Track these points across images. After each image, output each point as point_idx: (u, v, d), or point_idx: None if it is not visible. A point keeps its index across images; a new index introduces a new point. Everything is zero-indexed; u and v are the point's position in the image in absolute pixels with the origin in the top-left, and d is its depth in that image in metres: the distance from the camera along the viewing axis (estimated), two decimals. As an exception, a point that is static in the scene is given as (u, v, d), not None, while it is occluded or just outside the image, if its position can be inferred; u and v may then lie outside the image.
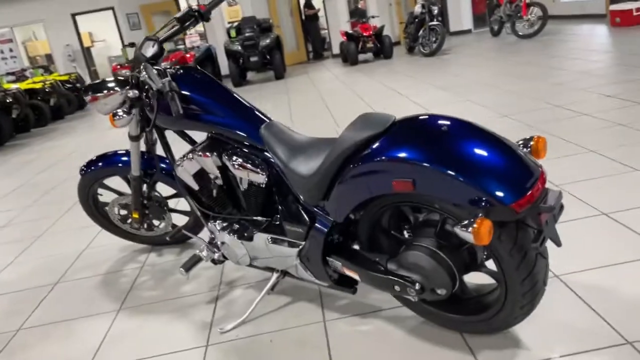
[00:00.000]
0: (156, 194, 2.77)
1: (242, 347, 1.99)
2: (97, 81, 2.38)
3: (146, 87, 2.19)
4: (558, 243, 1.48)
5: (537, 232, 1.46)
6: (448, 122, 1.52)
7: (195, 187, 2.22)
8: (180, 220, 2.93)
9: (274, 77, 10.69)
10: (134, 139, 2.39)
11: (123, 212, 2.86)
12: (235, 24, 11.48)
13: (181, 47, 11.22)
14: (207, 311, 2.28)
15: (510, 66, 7.01)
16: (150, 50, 2.17)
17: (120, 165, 2.70)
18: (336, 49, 12.71)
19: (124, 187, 2.83)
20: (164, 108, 2.10)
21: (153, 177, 2.65)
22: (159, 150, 2.54)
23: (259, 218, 2.14)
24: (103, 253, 3.13)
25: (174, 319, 2.28)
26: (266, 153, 1.99)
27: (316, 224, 1.83)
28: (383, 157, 1.53)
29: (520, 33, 9.56)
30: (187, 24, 2.29)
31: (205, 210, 2.29)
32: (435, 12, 9.70)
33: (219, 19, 12.79)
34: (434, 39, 9.55)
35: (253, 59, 10.26)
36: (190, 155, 2.15)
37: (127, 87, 2.32)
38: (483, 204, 1.39)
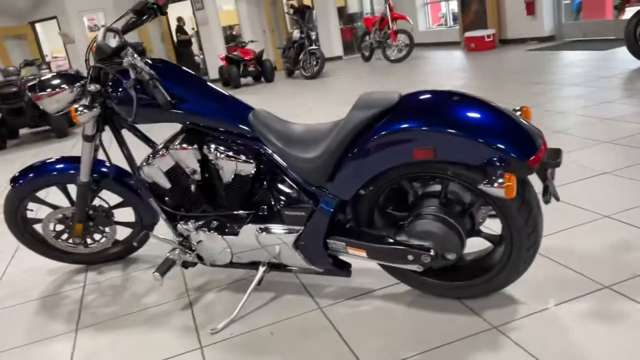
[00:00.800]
0: (101, 203, 2.56)
1: (242, 343, 1.92)
2: (45, 77, 2.19)
3: (109, 80, 2.06)
4: (557, 197, 1.65)
5: (544, 187, 1.62)
6: (455, 95, 1.65)
7: (167, 185, 2.11)
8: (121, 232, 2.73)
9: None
10: (89, 138, 2.21)
11: (60, 227, 2.60)
12: (106, 47, 10.95)
13: (45, 71, 10.38)
14: (184, 317, 2.16)
15: (390, 83, 7.57)
16: (113, 41, 2.05)
17: (57, 173, 2.47)
18: (213, 74, 12.64)
19: (57, 200, 2.58)
20: (139, 100, 1.99)
21: (100, 184, 2.45)
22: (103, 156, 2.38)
23: (240, 212, 2.09)
24: (27, 278, 2.80)
25: (151, 328, 2.12)
26: (253, 141, 1.96)
27: (320, 205, 1.85)
28: (403, 128, 1.60)
29: (392, 58, 10.30)
30: (145, 17, 2.21)
31: (173, 211, 2.18)
32: (314, 37, 10.11)
33: (85, 41, 12.10)
34: (314, 62, 9.93)
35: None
36: (164, 151, 2.04)
37: (81, 82, 2.16)
38: (502, 162, 1.52)
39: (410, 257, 1.76)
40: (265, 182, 2.00)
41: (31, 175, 2.46)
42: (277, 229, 1.96)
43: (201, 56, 14.44)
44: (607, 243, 2.13)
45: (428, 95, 1.67)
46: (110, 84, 2.07)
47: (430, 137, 1.58)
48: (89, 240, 2.63)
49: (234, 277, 2.41)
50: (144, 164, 2.10)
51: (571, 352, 1.57)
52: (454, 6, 12.22)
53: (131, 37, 8.77)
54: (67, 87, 2.16)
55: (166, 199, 2.21)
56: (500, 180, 1.48)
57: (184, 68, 2.08)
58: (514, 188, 1.47)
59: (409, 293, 2.03)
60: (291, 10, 11.18)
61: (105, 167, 2.45)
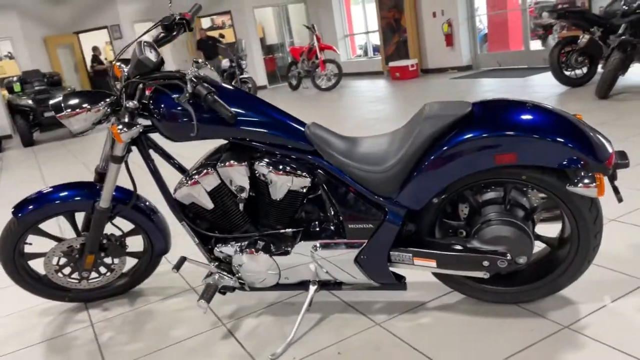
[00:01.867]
0: (112, 232, 2.37)
1: (314, 364, 1.83)
2: (68, 94, 2.02)
3: (147, 96, 1.94)
4: (620, 198, 1.76)
5: (614, 187, 1.72)
6: (526, 103, 1.73)
7: (210, 206, 2.00)
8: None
9: (70, 134, 9.70)
10: (118, 160, 2.05)
11: (63, 260, 2.36)
12: (15, 78, 10.27)
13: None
14: (230, 345, 2.03)
15: (324, 110, 7.75)
16: (151, 55, 1.95)
17: (66, 200, 2.25)
18: (134, 105, 12.18)
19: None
20: (188, 118, 1.88)
21: (116, 210, 2.26)
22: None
23: (288, 229, 2.02)
24: (16, 321, 2.50)
25: (195, 359, 1.97)
26: (309, 155, 1.92)
27: (388, 217, 1.83)
28: (484, 135, 1.65)
29: (322, 86, 10.51)
30: (174, 32, 2.13)
31: (210, 234, 2.07)
32: (244, 65, 10.10)
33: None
34: (246, 90, 9.89)
35: (48, 114, 9.19)
36: (210, 169, 1.94)
37: (108, 100, 2.02)
38: (580, 164, 1.60)
39: (485, 263, 1.79)
40: (321, 197, 1.95)
41: (36, 203, 2.23)
42: (336, 244, 1.92)
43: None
44: (629, 242, 2.29)
45: (501, 104, 1.74)
46: (150, 100, 1.94)
47: (513, 142, 1.64)
48: (92, 274, 2.40)
49: (267, 301, 2.31)
50: (184, 184, 1.98)
51: (648, 342, 1.66)
52: (374, 38, 12.78)
53: (42, 66, 8.40)
54: (93, 105, 2.00)
55: (198, 221, 2.09)
56: (589, 181, 1.56)
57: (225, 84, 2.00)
58: (604, 187, 1.56)
59: (463, 302, 2.06)
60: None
61: (120, 192, 2.27)
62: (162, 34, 2.12)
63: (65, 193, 2.25)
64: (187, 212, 2.08)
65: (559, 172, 1.68)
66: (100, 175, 2.32)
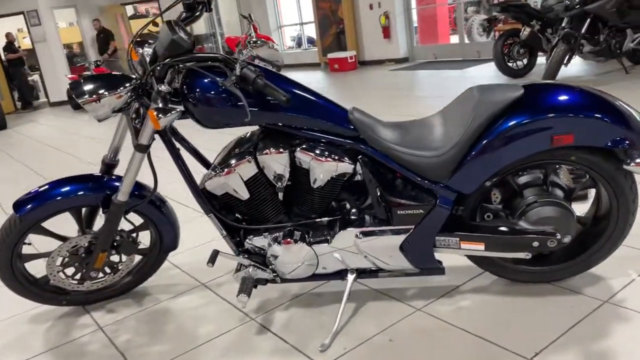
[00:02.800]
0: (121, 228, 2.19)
1: (367, 354, 1.80)
2: (89, 78, 1.84)
3: (179, 79, 1.81)
4: None
5: None
6: (574, 86, 1.77)
7: (245, 196, 1.90)
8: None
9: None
10: (143, 149, 1.89)
11: (68, 260, 2.15)
12: None
13: None
14: (269, 340, 1.95)
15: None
16: (185, 36, 1.81)
17: (71, 196, 2.06)
18: (55, 97, 11.43)
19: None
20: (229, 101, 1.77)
21: (132, 204, 2.09)
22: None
23: (323, 219, 1.97)
24: (9, 329, 2.26)
25: (237, 356, 1.87)
26: (352, 140, 1.86)
27: (438, 202, 1.83)
28: (542, 116, 1.68)
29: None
30: (197, 13, 2.00)
31: (242, 226, 1.98)
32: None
33: None
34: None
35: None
36: (249, 157, 1.84)
37: (130, 84, 1.86)
38: (628, 143, 1.67)
39: (535, 244, 1.83)
40: (361, 183, 1.91)
41: (40, 199, 2.01)
42: (382, 231, 1.89)
43: (33, 77, 12.97)
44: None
45: (552, 86, 1.78)
46: (184, 83, 1.80)
47: (572, 123, 1.68)
48: (96, 274, 2.22)
49: (290, 293, 2.23)
50: (218, 173, 1.87)
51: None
52: (308, 29, 12.76)
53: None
54: (114, 90, 1.83)
55: (224, 212, 1.99)
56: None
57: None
58: (657, 165, 1.63)
59: (496, 283, 2.10)
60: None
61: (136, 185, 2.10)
62: (185, 14, 1.97)
63: (72, 187, 2.05)
64: (213, 204, 1.97)
65: (604, 153, 1.74)
66: (108, 166, 2.15)
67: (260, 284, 2.04)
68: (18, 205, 2.01)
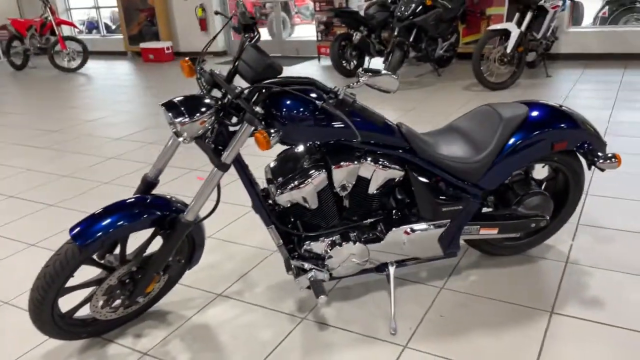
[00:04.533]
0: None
1: (430, 330, 2.15)
2: (185, 97, 1.82)
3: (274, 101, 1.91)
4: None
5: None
6: (557, 105, 2.36)
7: (315, 206, 2.09)
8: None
9: None
10: (226, 167, 1.92)
11: (116, 291, 2.02)
12: None
13: None
14: (337, 334, 2.16)
15: (81, 92, 7.16)
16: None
17: (131, 221, 1.94)
18: None
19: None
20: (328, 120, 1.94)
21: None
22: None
23: (368, 220, 2.26)
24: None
25: (319, 354, 2.06)
26: (401, 151, 2.18)
27: (472, 198, 2.26)
28: (546, 130, 2.23)
29: (67, 66, 9.41)
30: (256, 33, 2.10)
31: (299, 233, 2.16)
32: None
33: None
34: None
35: None
36: (322, 171, 2.03)
37: (216, 105, 1.89)
38: (593, 147, 2.34)
39: (533, 225, 2.39)
40: (407, 186, 2.23)
41: (103, 227, 1.86)
42: (426, 226, 2.25)
43: None
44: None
45: (546, 105, 2.33)
46: (273, 104, 1.89)
47: (564, 133, 2.26)
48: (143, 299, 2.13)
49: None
50: (293, 187, 2.01)
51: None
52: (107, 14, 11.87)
53: None
54: (207, 111, 1.83)
55: (303, 218, 2.15)
56: (614, 158, 2.29)
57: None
58: (621, 161, 2.31)
59: (482, 257, 2.62)
60: None
61: (166, 201, 2.05)
62: (253, 37, 2.04)
63: (132, 212, 1.93)
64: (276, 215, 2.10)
65: (573, 154, 2.38)
66: (148, 185, 2.08)
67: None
68: (78, 234, 1.83)
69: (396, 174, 2.14)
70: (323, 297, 2.05)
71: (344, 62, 7.36)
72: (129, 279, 2.04)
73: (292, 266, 2.18)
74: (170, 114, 1.80)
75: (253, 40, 2.03)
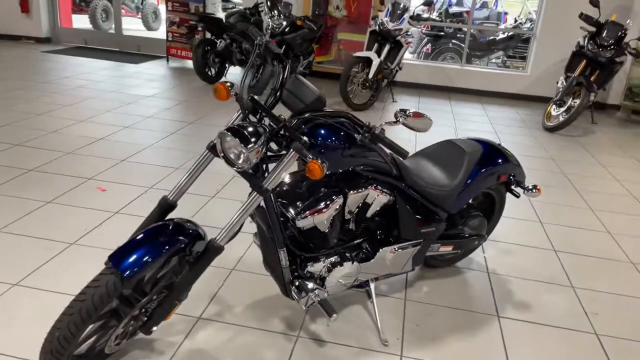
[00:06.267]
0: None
1: (414, 337, 2.43)
2: (243, 124, 1.82)
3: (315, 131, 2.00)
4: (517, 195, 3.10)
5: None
6: (500, 144, 2.84)
7: (326, 229, 2.23)
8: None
9: None
10: (266, 193, 1.94)
11: (133, 323, 1.88)
12: None
13: None
14: (336, 349, 2.31)
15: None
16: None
17: (170, 248, 1.82)
18: None
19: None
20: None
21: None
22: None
23: (357, 241, 2.47)
24: None
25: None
26: (393, 178, 2.42)
27: (441, 221, 2.61)
28: (498, 164, 2.70)
29: None
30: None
31: (306, 254, 2.28)
32: None
33: None
34: None
35: None
36: (339, 197, 2.18)
37: (266, 134, 1.93)
38: (522, 177, 2.88)
39: (476, 243, 2.83)
40: (395, 210, 2.48)
41: (145, 255, 1.73)
42: (406, 246, 2.52)
43: None
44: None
45: (490, 144, 2.79)
46: (314, 134, 1.99)
47: (506, 167, 2.75)
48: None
49: (299, 307, 2.55)
50: (316, 211, 2.12)
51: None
52: None
53: None
54: (262, 140, 1.85)
55: (310, 240, 2.24)
56: (537, 188, 2.83)
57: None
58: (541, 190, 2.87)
59: (423, 270, 3.00)
60: None
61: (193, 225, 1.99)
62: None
63: (167, 239, 1.81)
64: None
65: (504, 183, 2.89)
66: (166, 208, 2.00)
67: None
68: (124, 264, 1.67)
69: (389, 199, 2.37)
70: (334, 315, 2.18)
71: (205, 68, 7.27)
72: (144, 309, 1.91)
73: (293, 287, 2.25)
74: (237, 140, 1.77)
75: (286, 70, 2.07)
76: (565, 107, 6.39)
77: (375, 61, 6.49)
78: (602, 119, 7.43)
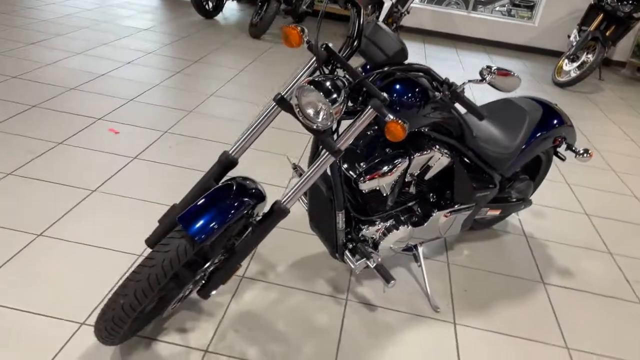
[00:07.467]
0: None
1: (463, 303, 2.35)
2: (325, 78, 1.62)
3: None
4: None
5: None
6: (556, 104, 2.68)
7: (388, 192, 2.09)
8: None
9: None
10: (339, 153, 1.76)
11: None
12: None
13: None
14: (387, 313, 2.22)
15: None
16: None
17: (235, 212, 1.63)
18: None
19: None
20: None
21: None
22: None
23: (410, 204, 2.34)
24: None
25: (379, 332, 2.11)
26: (452, 138, 2.27)
27: (496, 184, 2.48)
28: (555, 125, 2.56)
29: None
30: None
31: (364, 218, 2.15)
32: None
33: None
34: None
35: None
36: (405, 158, 2.03)
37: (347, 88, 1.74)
38: (573, 140, 2.75)
39: (522, 206, 2.73)
40: (451, 173, 2.34)
41: (216, 220, 1.56)
42: (459, 210, 2.40)
43: None
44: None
45: (548, 105, 2.63)
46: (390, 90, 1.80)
47: (563, 130, 2.61)
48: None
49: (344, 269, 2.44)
50: (380, 174, 1.97)
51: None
52: None
53: None
54: (344, 95, 1.66)
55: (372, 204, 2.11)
56: (589, 153, 2.71)
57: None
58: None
59: (462, 234, 2.90)
60: None
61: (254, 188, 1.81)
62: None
63: (234, 201, 1.63)
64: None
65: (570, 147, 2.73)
66: (226, 165, 1.81)
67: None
68: (195, 228, 1.50)
69: (449, 161, 2.22)
70: (393, 281, 2.07)
71: (203, 1, 6.85)
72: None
73: (346, 251, 2.13)
74: (322, 95, 1.57)
75: (361, 15, 1.85)
76: (579, 63, 6.24)
77: (387, 4, 6.19)
78: (607, 75, 7.34)
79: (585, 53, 6.27)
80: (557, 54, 7.68)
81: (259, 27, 6.29)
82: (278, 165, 3.26)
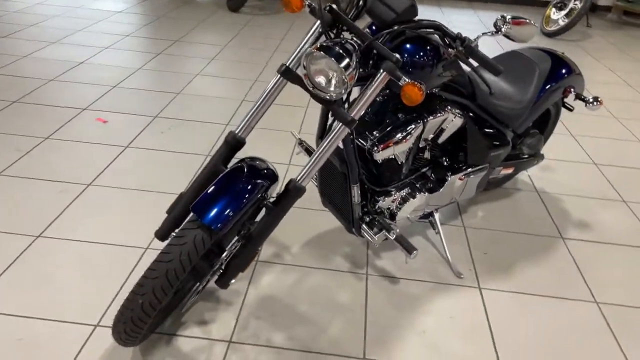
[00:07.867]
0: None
1: (485, 266, 2.28)
2: (334, 42, 1.50)
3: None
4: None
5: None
6: (563, 55, 2.57)
7: (404, 159, 1.99)
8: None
9: None
10: (353, 123, 1.65)
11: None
12: None
13: None
14: (411, 285, 2.15)
15: None
16: None
17: (249, 197, 1.54)
18: None
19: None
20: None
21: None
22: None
23: (424, 170, 2.24)
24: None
25: (407, 302, 2.04)
26: (464, 97, 2.17)
27: (510, 143, 2.39)
28: (564, 76, 2.46)
29: None
30: None
31: (378, 189, 2.05)
32: None
33: None
34: None
35: None
36: (419, 122, 1.93)
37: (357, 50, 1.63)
38: (581, 88, 2.65)
39: (535, 162, 2.65)
40: (464, 134, 2.24)
41: (231, 207, 1.45)
42: (474, 172, 2.31)
43: None
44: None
45: (556, 55, 2.52)
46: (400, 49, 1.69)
47: (572, 80, 2.51)
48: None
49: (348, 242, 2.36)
50: (395, 141, 1.87)
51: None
52: None
53: None
54: (356, 59, 1.54)
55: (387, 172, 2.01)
56: (599, 101, 2.62)
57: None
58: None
59: (485, 194, 2.82)
60: None
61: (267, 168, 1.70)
62: None
63: (247, 186, 1.52)
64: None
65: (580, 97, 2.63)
66: (235, 146, 1.70)
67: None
68: (212, 217, 1.40)
69: (462, 121, 2.12)
70: (415, 251, 1.99)
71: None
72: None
73: (363, 224, 2.04)
74: (334, 60, 1.45)
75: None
76: (567, 10, 6.11)
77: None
78: (594, 21, 7.22)
79: (572, 0, 6.13)
80: (544, 4, 7.54)
81: (236, 0, 6.08)
82: (275, 142, 3.14)
